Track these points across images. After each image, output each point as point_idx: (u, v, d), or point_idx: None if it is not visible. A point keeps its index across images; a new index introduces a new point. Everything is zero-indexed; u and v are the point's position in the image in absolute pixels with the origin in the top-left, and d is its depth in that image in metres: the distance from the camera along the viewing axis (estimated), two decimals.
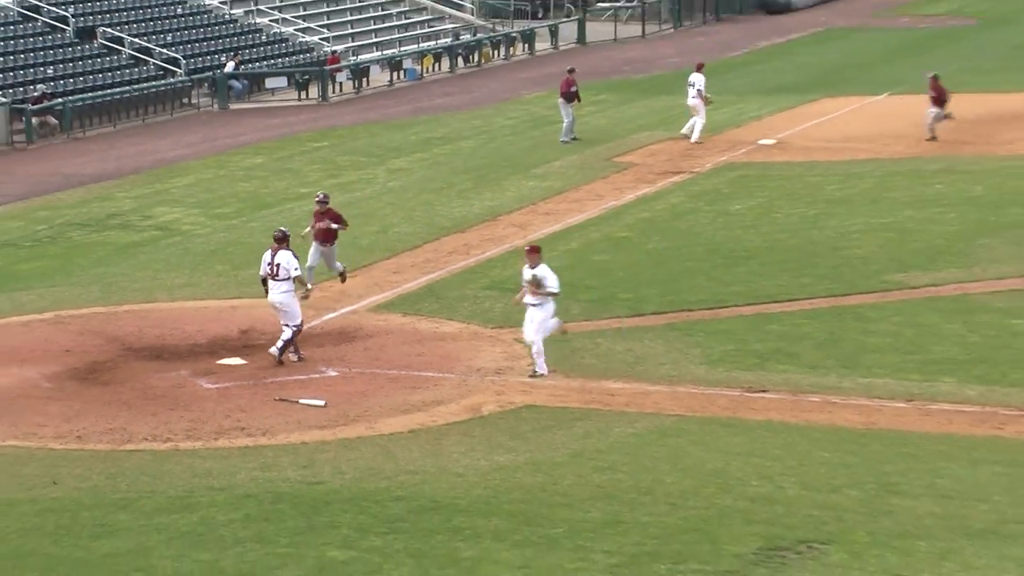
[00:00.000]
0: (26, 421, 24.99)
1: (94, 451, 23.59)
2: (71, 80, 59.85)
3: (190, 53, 65.66)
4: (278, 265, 27.71)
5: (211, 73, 64.32)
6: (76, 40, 63.85)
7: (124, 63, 63.45)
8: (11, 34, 62.24)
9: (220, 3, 72.50)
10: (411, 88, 68.62)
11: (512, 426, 24.22)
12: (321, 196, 31.92)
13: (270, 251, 27.96)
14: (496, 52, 77.51)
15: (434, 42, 76.85)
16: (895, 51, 74.46)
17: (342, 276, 31.91)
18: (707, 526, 19.86)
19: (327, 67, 67.48)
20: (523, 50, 79.03)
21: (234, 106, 63.27)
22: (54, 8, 64.82)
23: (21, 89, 57.35)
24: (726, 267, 33.99)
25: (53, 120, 56.54)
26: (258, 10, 73.30)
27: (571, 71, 52.42)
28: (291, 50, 70.83)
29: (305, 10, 76.03)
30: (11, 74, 58.68)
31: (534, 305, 26.52)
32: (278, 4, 75.15)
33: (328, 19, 75.95)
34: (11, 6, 64.34)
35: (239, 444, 23.75)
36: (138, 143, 54.95)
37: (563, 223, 38.82)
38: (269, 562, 19.01)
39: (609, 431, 23.81)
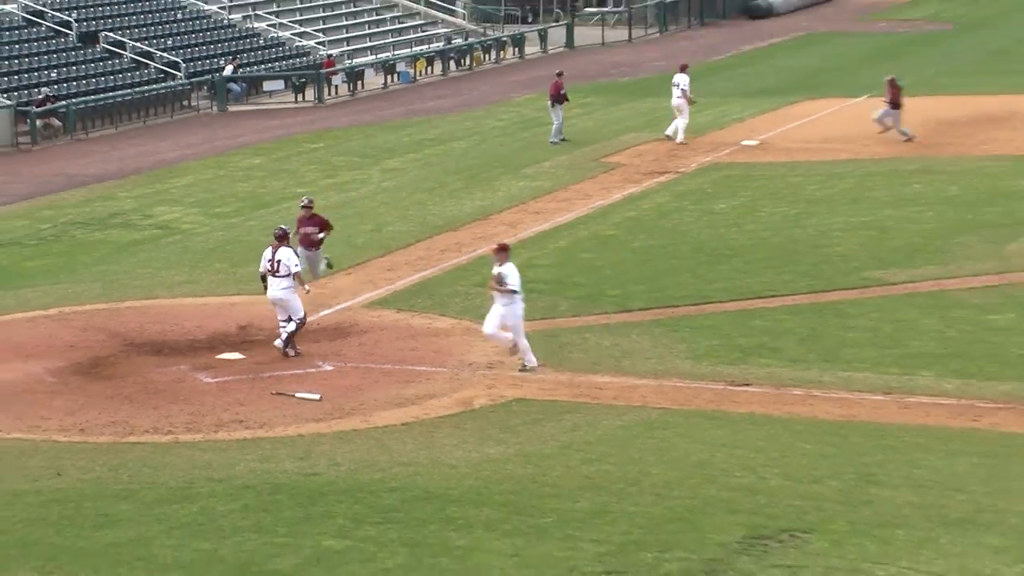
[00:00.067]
0: (31, 414, 24.98)
1: (97, 443, 23.59)
2: (74, 83, 59.80)
3: (190, 57, 65.60)
4: (279, 262, 27.74)
5: (210, 76, 64.29)
6: (79, 44, 63.78)
7: (126, 67, 63.38)
8: (16, 39, 62.20)
9: (219, 8, 72.47)
10: (404, 91, 68.59)
11: (503, 419, 24.22)
12: (306, 200, 31.57)
13: (271, 248, 27.99)
14: (487, 56, 77.50)
15: (427, 46, 76.81)
16: (874, 55, 74.45)
17: (328, 264, 31.79)
18: (692, 516, 19.87)
19: (323, 70, 67.43)
20: (513, 54, 79.02)
21: (233, 108, 63.23)
22: (58, 13, 64.77)
23: (26, 92, 57.30)
24: (710, 264, 34.01)
25: (57, 122, 56.50)
26: (256, 15, 73.26)
27: (560, 74, 52.40)
28: (288, 54, 70.78)
29: (302, 15, 75.98)
30: (16, 77, 58.63)
31: (503, 304, 26.43)
32: (275, 9, 75.12)
33: (324, 24, 75.92)
34: (16, 11, 64.31)
35: (238, 436, 23.74)
36: (139, 144, 54.90)
37: (552, 222, 38.83)
38: (267, 551, 19.00)
39: (597, 424, 23.82)
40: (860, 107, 54.04)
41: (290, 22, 73.95)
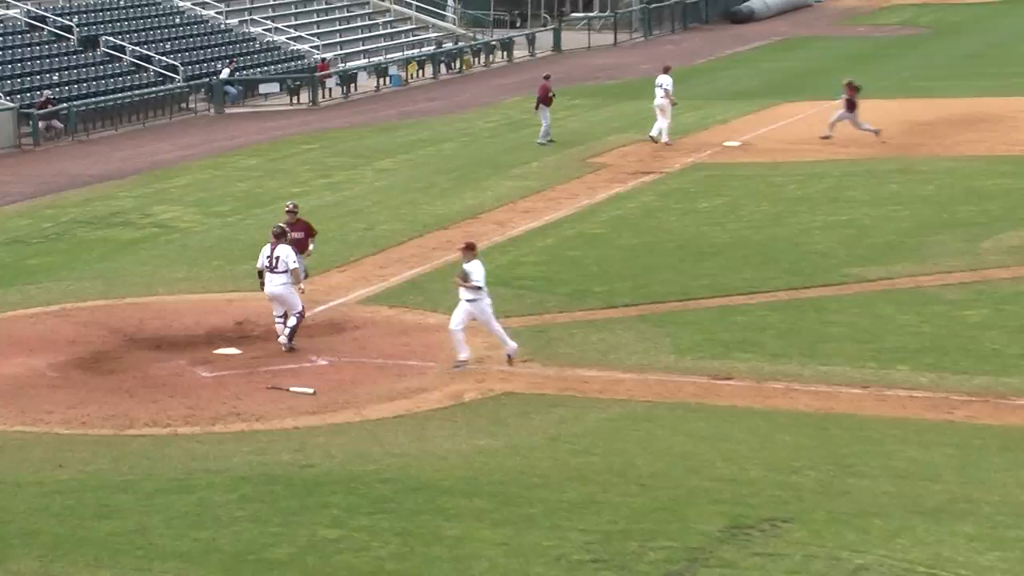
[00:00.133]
0: (34, 407, 24.94)
1: (98, 436, 23.55)
2: (75, 86, 59.71)
3: (188, 60, 65.53)
4: (277, 258, 27.73)
5: (208, 79, 64.19)
6: (80, 48, 63.67)
7: (125, 70, 63.29)
8: (19, 43, 62.10)
9: (216, 13, 72.40)
10: (396, 93, 68.54)
11: (492, 412, 24.22)
12: (291, 206, 30.76)
13: (269, 245, 27.97)
14: (477, 59, 77.47)
15: (418, 50, 76.76)
16: (852, 58, 74.49)
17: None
18: (676, 505, 19.89)
19: (317, 73, 67.35)
20: (502, 57, 78.99)
21: (229, 110, 63.15)
22: (59, 18, 64.66)
23: (28, 94, 57.21)
24: (694, 262, 34.02)
25: (58, 124, 56.43)
26: (252, 20, 73.17)
27: (547, 77, 52.38)
28: (283, 57, 70.69)
29: (297, 20, 75.94)
30: (19, 80, 58.53)
31: (469, 300, 26.37)
32: (271, 14, 75.06)
33: (318, 28, 75.85)
34: (19, 16, 64.21)
35: (235, 429, 23.72)
36: (139, 145, 54.82)
37: (540, 221, 38.82)
38: (263, 540, 19.00)
39: (584, 416, 23.82)
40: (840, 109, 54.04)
41: (285, 26, 73.86)
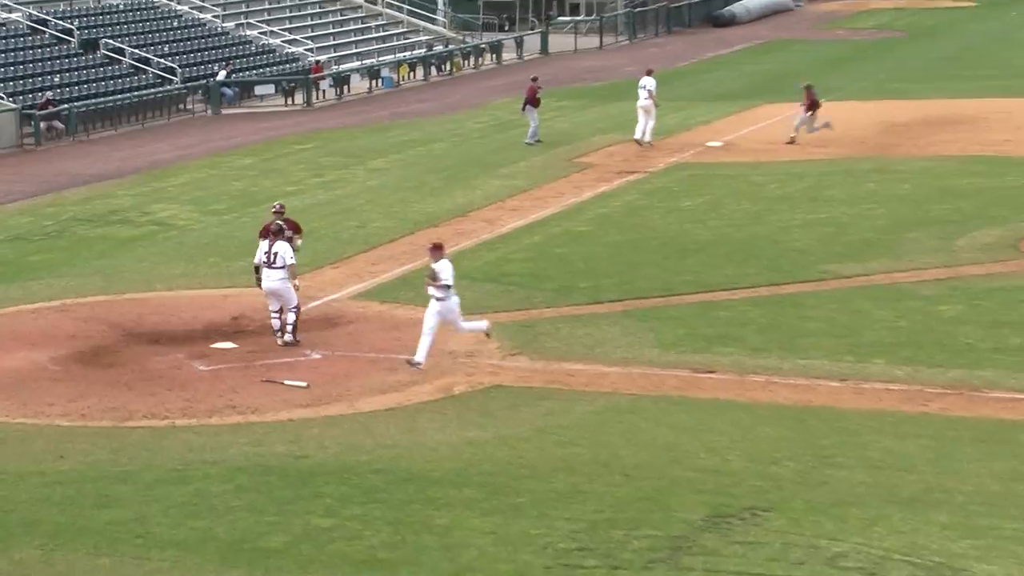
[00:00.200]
0: (35, 400, 24.91)
1: (98, 428, 23.53)
2: (76, 87, 59.59)
3: (185, 63, 65.44)
4: (275, 254, 27.69)
5: (205, 81, 64.10)
6: (80, 51, 63.56)
7: (125, 72, 63.17)
8: (20, 45, 61.94)
9: (213, 17, 72.30)
10: (388, 95, 68.49)
11: (481, 404, 24.22)
12: (277, 206, 30.09)
13: (267, 241, 27.93)
14: (466, 62, 77.43)
15: (409, 52, 76.73)
16: (831, 61, 74.60)
17: None
18: (659, 495, 19.90)
19: (311, 75, 67.30)
20: (491, 60, 78.97)
21: (226, 111, 63.07)
22: (60, 21, 64.53)
23: (30, 96, 57.08)
24: (677, 259, 34.03)
25: (59, 124, 56.31)
26: (248, 23, 73.10)
27: (535, 79, 52.39)
28: (278, 60, 70.62)
29: (291, 23, 75.87)
30: (20, 82, 58.39)
31: (438, 299, 26.26)
32: (267, 18, 74.98)
33: (312, 31, 75.81)
34: (21, 20, 64.07)
35: (231, 421, 23.70)
36: (138, 145, 54.74)
37: (528, 219, 38.81)
38: (259, 529, 18.99)
39: (570, 409, 23.83)
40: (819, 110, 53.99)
41: (280, 30, 73.78)
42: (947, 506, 19.43)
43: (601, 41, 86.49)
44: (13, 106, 55.36)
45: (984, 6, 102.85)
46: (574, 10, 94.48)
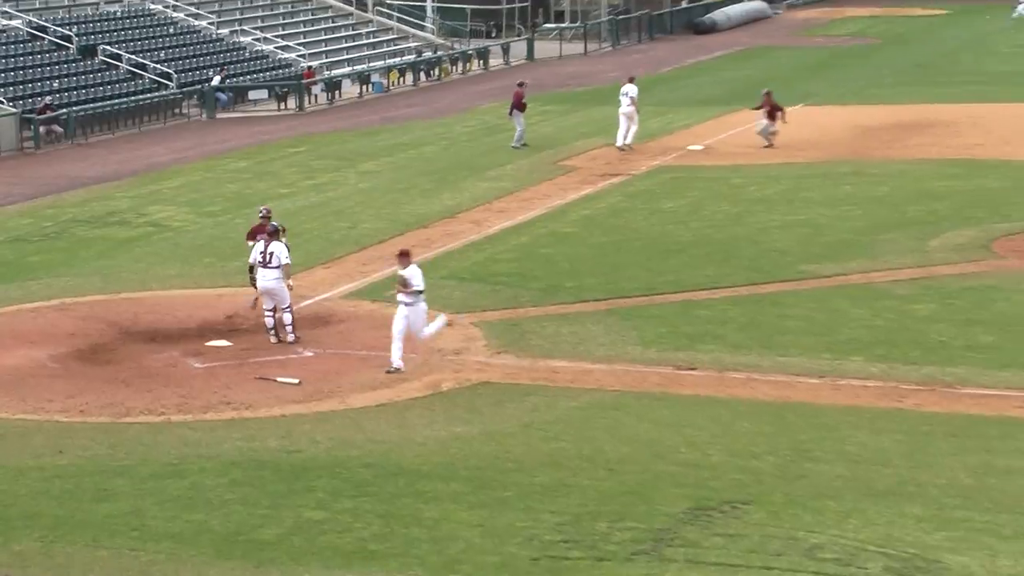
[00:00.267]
0: (35, 397, 24.88)
1: (96, 423, 23.50)
2: (74, 92, 59.49)
3: (181, 68, 65.33)
4: (271, 254, 27.66)
5: (200, 86, 64.03)
6: (79, 57, 63.44)
7: (122, 77, 63.10)
8: (20, 51, 61.85)
9: (208, 23, 72.22)
10: (378, 99, 68.45)
11: (469, 401, 24.21)
12: (264, 211, 29.99)
13: (263, 242, 27.91)
14: (454, 67, 77.40)
15: (399, 58, 76.68)
16: (809, 67, 74.67)
17: None
18: (642, 489, 19.91)
19: (304, 81, 67.23)
20: (478, 66, 78.93)
21: (220, 116, 62.99)
22: (59, 28, 64.42)
23: (30, 100, 56.97)
24: (659, 259, 34.05)
25: (58, 128, 56.19)
26: (242, 30, 73.03)
27: (521, 84, 52.38)
28: (271, 65, 70.56)
29: (284, 29, 75.79)
30: (20, 87, 58.29)
31: (406, 304, 26.15)
32: (260, 24, 74.92)
33: (304, 38, 75.72)
34: (20, 27, 63.96)
35: (225, 417, 23.68)
36: (134, 149, 54.66)
37: (514, 220, 38.81)
38: (253, 522, 18.98)
39: (555, 405, 23.83)
40: (796, 115, 54.03)
41: (273, 36, 73.72)
42: (921, 499, 19.46)
43: (585, 48, 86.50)
44: (13, 110, 55.24)
45: (956, 13, 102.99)
46: (559, 17, 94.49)
